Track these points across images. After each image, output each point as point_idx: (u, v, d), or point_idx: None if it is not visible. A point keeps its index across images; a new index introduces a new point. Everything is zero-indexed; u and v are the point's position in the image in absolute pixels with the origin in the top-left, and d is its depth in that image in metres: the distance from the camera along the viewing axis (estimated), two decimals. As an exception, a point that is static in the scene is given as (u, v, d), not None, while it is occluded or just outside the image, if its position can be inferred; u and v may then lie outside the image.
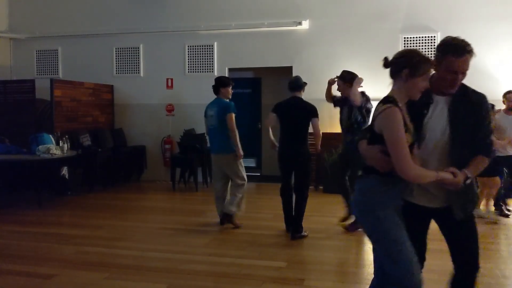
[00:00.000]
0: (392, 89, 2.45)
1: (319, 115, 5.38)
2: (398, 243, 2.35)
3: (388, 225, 2.37)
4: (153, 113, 9.54)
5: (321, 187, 8.27)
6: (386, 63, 2.45)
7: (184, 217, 6.53)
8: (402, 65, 2.37)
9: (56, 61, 10.11)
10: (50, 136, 7.26)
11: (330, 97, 5.85)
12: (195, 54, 9.37)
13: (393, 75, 2.43)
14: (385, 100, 2.37)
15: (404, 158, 2.26)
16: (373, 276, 2.71)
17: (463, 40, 2.43)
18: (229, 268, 4.33)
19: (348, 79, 5.42)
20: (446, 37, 2.50)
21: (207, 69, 9.29)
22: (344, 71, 5.61)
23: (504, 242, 5.38)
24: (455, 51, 2.39)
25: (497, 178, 6.00)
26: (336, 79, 5.66)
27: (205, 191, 8.27)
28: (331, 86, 5.85)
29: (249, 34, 9.03)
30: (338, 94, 5.76)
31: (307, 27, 8.76)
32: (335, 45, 8.62)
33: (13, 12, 10.28)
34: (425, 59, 2.38)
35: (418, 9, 8.25)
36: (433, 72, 2.50)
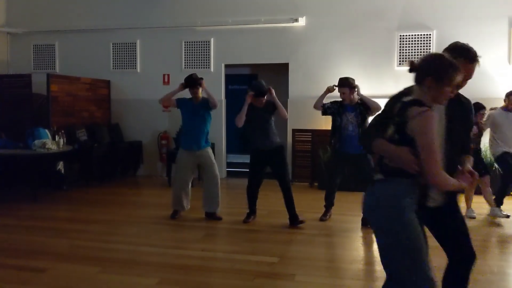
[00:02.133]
0: (418, 92, 2.34)
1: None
2: (421, 251, 2.29)
3: (414, 232, 2.29)
4: (150, 108, 9.54)
5: (316, 184, 8.31)
6: (412, 68, 2.36)
7: (179, 213, 6.55)
8: (426, 72, 2.29)
9: (53, 55, 10.11)
10: (46, 130, 7.28)
11: (321, 105, 5.83)
12: (192, 50, 9.38)
13: (417, 80, 2.34)
14: (418, 103, 2.27)
15: (436, 163, 2.22)
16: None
17: (472, 48, 2.47)
18: (221, 263, 4.37)
19: (353, 85, 5.58)
20: (456, 42, 2.54)
21: (204, 65, 9.31)
22: (348, 78, 5.65)
23: (494, 239, 5.43)
24: (468, 56, 2.41)
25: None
26: (335, 87, 5.69)
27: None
28: (327, 94, 5.86)
29: (246, 31, 9.04)
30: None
31: (304, 24, 8.78)
32: (331, 42, 8.65)
33: (11, 7, 10.28)
34: (452, 65, 2.27)
35: (414, 7, 8.28)
36: None
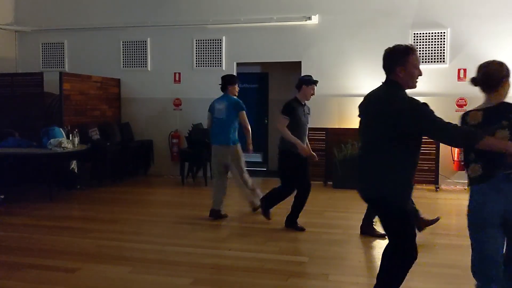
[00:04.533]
0: (499, 97, 2.74)
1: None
2: None
3: None
4: (161, 107, 9.51)
5: (330, 183, 8.28)
6: (477, 82, 2.79)
7: (197, 212, 6.43)
8: (502, 78, 2.75)
9: (62, 54, 10.03)
10: (61, 129, 7.22)
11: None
12: (203, 48, 9.33)
13: (491, 89, 2.75)
14: None
15: None
16: None
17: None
18: (252, 263, 4.34)
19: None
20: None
21: (215, 63, 9.26)
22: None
23: None
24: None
25: None
26: None
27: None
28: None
29: (258, 29, 9.00)
30: None
31: (317, 22, 8.75)
32: (344, 41, 8.62)
33: (19, 5, 10.18)
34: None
35: (428, 5, 8.26)
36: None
